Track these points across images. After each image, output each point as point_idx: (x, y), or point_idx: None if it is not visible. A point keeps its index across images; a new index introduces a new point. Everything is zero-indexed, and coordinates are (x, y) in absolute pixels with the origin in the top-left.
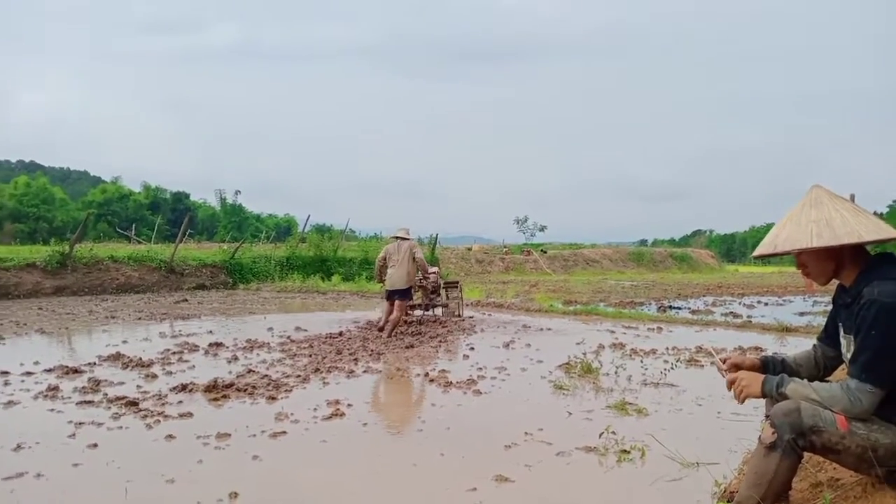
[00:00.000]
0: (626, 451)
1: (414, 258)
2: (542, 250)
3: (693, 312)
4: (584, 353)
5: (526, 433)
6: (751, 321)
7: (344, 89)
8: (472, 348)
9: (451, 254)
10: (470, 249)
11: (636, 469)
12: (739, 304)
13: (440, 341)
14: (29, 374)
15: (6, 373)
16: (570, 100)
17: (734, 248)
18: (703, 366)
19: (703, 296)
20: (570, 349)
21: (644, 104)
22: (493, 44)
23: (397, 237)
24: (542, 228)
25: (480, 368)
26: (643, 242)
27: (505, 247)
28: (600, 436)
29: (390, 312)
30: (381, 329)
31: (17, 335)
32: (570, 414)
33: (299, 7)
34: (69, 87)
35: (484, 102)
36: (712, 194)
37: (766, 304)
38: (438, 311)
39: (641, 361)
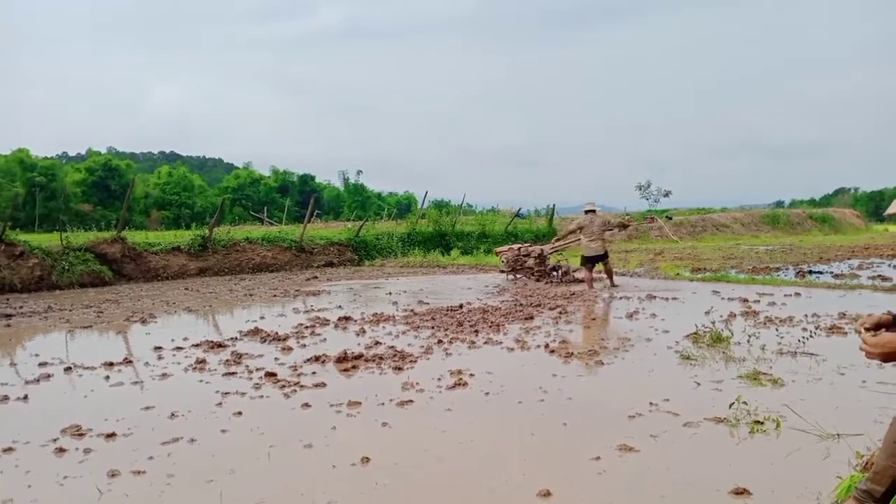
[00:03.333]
0: (759, 422)
1: (609, 223)
2: (667, 216)
3: (836, 277)
4: (714, 322)
5: (651, 404)
6: None
7: (447, 62)
8: (594, 319)
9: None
10: None
11: (770, 441)
12: (889, 266)
13: (560, 312)
14: (179, 349)
15: (160, 348)
16: (685, 56)
17: (883, 206)
18: (846, 333)
19: (848, 259)
20: (698, 318)
21: (770, 51)
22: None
23: (588, 211)
24: (667, 194)
25: (602, 339)
26: (779, 204)
27: (627, 214)
28: (731, 406)
29: (591, 275)
30: (590, 286)
31: (168, 314)
32: (699, 384)
33: None
34: (198, 79)
35: (592, 64)
36: (856, 147)
37: None
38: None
39: (777, 330)
